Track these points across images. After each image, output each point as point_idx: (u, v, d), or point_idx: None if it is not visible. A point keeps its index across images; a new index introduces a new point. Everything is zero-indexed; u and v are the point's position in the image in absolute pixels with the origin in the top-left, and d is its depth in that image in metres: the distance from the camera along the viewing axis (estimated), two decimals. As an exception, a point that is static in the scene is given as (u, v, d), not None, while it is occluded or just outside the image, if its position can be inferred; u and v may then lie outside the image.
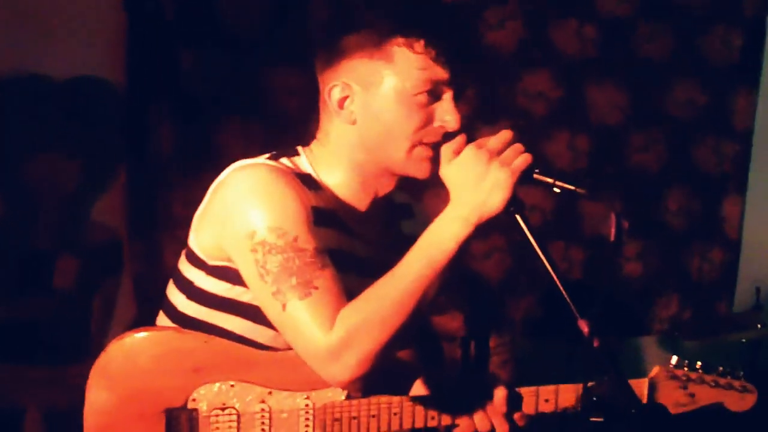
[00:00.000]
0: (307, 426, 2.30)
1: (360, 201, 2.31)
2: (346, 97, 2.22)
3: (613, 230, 2.16)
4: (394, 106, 2.17)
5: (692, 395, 2.35)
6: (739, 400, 2.33)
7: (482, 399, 2.36)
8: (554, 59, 4.78)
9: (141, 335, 2.30)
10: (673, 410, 2.35)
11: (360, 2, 2.21)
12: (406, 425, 2.34)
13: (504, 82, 4.73)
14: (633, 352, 4.97)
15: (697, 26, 4.92)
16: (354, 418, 2.30)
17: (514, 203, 2.16)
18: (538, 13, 4.74)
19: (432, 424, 2.34)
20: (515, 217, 2.21)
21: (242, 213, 2.13)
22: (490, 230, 4.47)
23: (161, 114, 4.22)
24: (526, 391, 2.37)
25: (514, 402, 2.35)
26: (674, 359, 2.42)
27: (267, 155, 2.28)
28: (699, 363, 2.38)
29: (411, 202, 2.55)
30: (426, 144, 2.19)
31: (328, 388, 2.29)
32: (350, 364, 2.06)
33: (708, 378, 2.34)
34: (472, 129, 4.18)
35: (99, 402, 2.25)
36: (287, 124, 4.26)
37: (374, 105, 2.19)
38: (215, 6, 4.26)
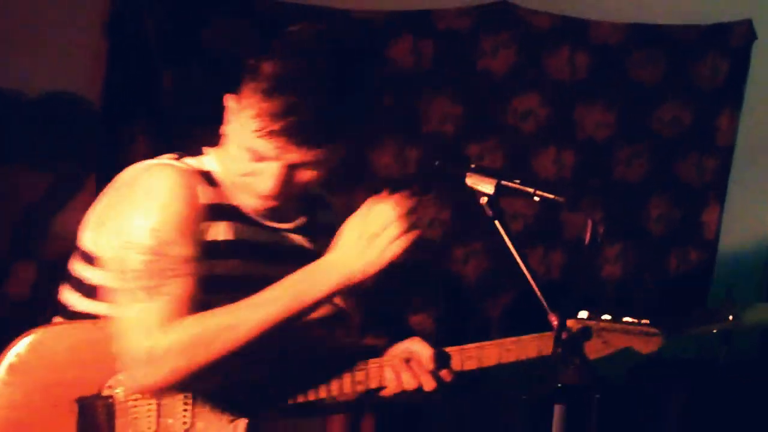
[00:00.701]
0: None
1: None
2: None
3: (588, 234, 2.26)
4: (234, 145, 2.21)
5: (606, 342, 2.50)
6: (647, 343, 2.52)
7: (409, 359, 2.40)
8: (545, 83, 4.95)
9: (52, 328, 2.32)
10: (591, 356, 2.49)
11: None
12: (334, 392, 2.40)
13: (494, 103, 4.87)
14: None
15: (687, 54, 5.15)
16: None
17: (494, 210, 2.31)
18: (532, 41, 4.89)
19: (360, 388, 2.41)
20: (494, 224, 2.34)
21: (131, 209, 2.18)
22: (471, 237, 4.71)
23: (135, 131, 4.27)
24: (451, 350, 2.45)
25: (440, 360, 2.41)
26: (584, 313, 2.53)
27: (173, 154, 2.32)
28: (607, 316, 2.52)
29: (323, 193, 2.56)
30: (248, 189, 2.25)
31: None
32: (162, 372, 2.10)
33: (618, 326, 2.50)
34: (460, 146, 4.11)
35: (8, 397, 2.23)
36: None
37: (230, 129, 2.23)
38: (198, 31, 4.34)
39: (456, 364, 2.41)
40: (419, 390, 2.36)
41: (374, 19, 4.64)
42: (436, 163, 2.51)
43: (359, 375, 2.38)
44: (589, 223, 2.27)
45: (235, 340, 2.11)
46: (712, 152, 5.25)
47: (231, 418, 2.32)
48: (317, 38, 2.16)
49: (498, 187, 2.39)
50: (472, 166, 2.47)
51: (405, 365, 2.38)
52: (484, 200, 2.43)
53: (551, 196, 2.34)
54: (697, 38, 5.16)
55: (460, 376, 2.41)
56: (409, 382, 2.37)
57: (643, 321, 2.48)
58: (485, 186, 2.43)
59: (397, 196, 2.15)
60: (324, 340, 2.44)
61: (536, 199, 2.34)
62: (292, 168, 2.16)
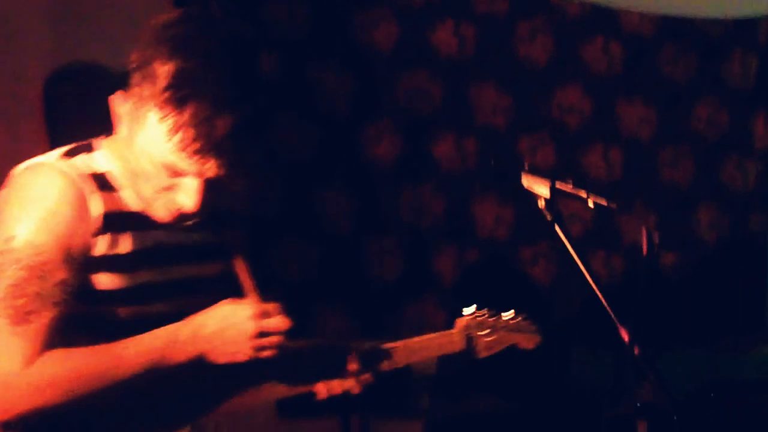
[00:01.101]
0: None
1: None
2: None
3: (644, 243, 2.26)
4: (143, 159, 1.95)
5: (496, 339, 2.50)
6: (529, 340, 2.54)
7: (334, 363, 2.32)
8: (585, 74, 4.90)
9: None
10: (482, 354, 2.49)
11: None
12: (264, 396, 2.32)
13: (540, 94, 4.82)
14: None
15: (716, 50, 5.08)
16: None
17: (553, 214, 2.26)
18: (566, 28, 4.85)
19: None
20: (554, 227, 2.30)
21: (10, 215, 1.94)
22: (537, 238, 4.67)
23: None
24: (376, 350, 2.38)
25: (365, 360, 2.32)
26: (471, 309, 2.51)
27: (65, 150, 2.05)
28: (486, 310, 2.53)
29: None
30: (167, 204, 1.99)
31: None
32: (12, 408, 1.92)
33: (502, 323, 2.51)
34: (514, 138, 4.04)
35: None
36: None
37: (131, 141, 1.97)
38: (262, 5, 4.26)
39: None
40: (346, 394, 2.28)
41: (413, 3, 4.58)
42: (492, 163, 2.43)
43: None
44: (644, 231, 2.26)
45: (96, 385, 1.95)
46: (751, 156, 5.15)
47: None
48: (210, 29, 1.95)
49: (552, 189, 2.38)
50: (526, 166, 2.47)
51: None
52: (542, 203, 2.42)
53: (604, 202, 2.33)
54: (724, 33, 5.08)
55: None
56: (337, 386, 2.31)
57: (523, 316, 2.53)
58: (540, 188, 2.41)
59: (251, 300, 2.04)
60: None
61: (590, 204, 2.34)
62: (210, 181, 1.95)
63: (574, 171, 4.74)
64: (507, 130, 4.66)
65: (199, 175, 1.91)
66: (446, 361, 2.43)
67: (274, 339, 2.00)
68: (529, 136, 4.73)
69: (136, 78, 1.91)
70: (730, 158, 5.12)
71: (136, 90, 1.91)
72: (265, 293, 2.09)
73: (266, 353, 2.00)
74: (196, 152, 1.86)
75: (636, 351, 2.21)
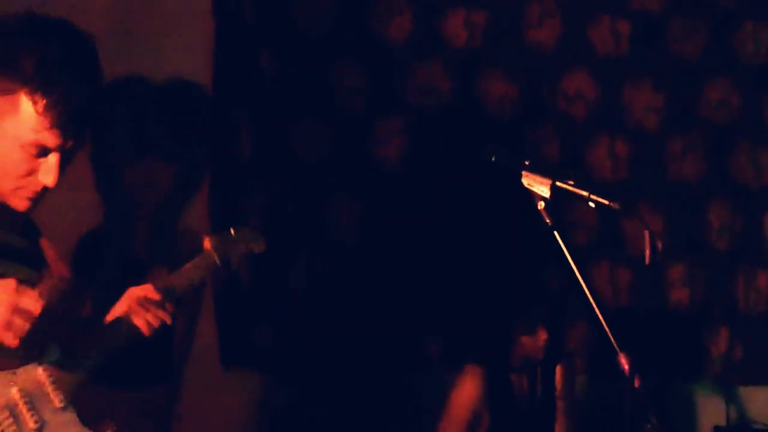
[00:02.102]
0: (56, 387, 2.30)
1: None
2: None
3: (647, 249, 2.20)
4: (7, 147, 2.19)
5: (237, 250, 2.80)
6: (260, 245, 2.89)
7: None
8: (592, 57, 4.84)
9: None
10: (234, 267, 2.81)
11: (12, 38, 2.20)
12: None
13: (546, 82, 4.80)
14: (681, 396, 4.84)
15: (727, 22, 4.94)
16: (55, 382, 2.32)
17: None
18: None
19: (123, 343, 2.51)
20: (554, 234, 2.26)
21: None
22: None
23: (242, 118, 4.45)
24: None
25: (164, 293, 2.56)
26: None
27: None
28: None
29: None
30: (28, 190, 2.24)
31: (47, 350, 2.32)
32: None
33: (236, 236, 2.81)
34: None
35: None
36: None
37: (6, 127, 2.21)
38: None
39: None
40: (164, 324, 2.50)
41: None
42: (492, 158, 2.46)
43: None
44: (647, 234, 2.22)
45: None
46: (765, 143, 4.96)
47: None
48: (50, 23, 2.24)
49: (553, 188, 2.34)
50: (527, 163, 2.43)
51: (143, 310, 2.49)
52: (541, 205, 2.37)
53: (606, 201, 2.29)
54: (735, 4, 4.93)
55: None
56: (154, 321, 2.50)
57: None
58: (541, 188, 2.37)
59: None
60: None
61: (591, 204, 2.31)
62: (64, 156, 2.22)
63: (578, 167, 4.67)
64: (512, 121, 4.72)
65: (59, 148, 2.19)
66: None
67: (25, 319, 2.10)
68: (533, 129, 4.72)
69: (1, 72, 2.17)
70: (740, 147, 4.93)
71: (2, 82, 2.17)
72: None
73: (14, 331, 2.09)
74: (62, 125, 2.16)
75: (637, 383, 2.05)
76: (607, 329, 2.08)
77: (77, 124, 2.19)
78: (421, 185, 4.56)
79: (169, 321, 2.52)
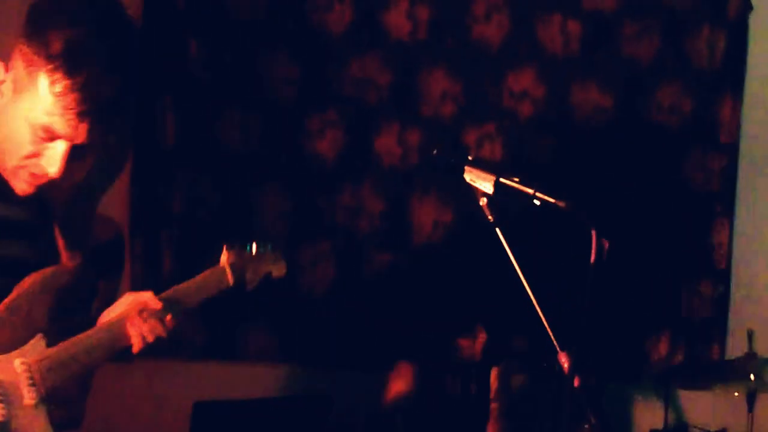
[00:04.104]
0: (31, 383, 2.31)
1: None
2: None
3: (593, 249, 2.20)
4: (18, 123, 2.16)
5: (254, 271, 2.81)
6: (279, 268, 2.88)
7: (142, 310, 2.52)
8: (540, 56, 4.87)
9: None
10: (249, 286, 2.81)
11: (60, 17, 2.12)
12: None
13: (491, 79, 4.82)
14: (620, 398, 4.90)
15: (682, 26, 4.98)
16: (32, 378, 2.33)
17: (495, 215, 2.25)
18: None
19: (113, 352, 2.48)
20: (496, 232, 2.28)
21: None
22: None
23: (167, 104, 4.44)
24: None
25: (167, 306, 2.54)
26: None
27: None
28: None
29: None
30: (30, 172, 2.22)
31: (29, 343, 2.33)
32: None
33: (256, 255, 2.84)
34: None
35: None
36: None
37: (8, 107, 2.18)
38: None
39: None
40: (158, 340, 2.48)
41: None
42: (434, 152, 2.48)
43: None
44: (594, 234, 2.20)
45: None
46: (715, 149, 5.02)
47: None
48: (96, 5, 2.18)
49: (497, 185, 2.36)
50: (470, 158, 2.46)
51: (141, 320, 2.47)
52: (483, 201, 2.40)
53: (551, 199, 2.30)
54: (691, 7, 4.98)
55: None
56: (148, 336, 2.47)
57: (273, 246, 2.88)
58: (484, 183, 2.39)
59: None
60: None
61: (536, 202, 2.31)
62: (74, 150, 2.20)
63: (522, 167, 4.68)
64: (454, 120, 4.74)
65: (70, 138, 2.16)
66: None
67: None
68: (477, 128, 4.74)
69: (27, 44, 2.11)
70: (691, 153, 5.00)
71: (26, 56, 2.12)
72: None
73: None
74: (77, 114, 2.11)
75: (576, 382, 2.08)
76: (547, 327, 2.11)
77: (96, 117, 2.12)
78: (354, 179, 4.60)
79: (164, 336, 2.47)
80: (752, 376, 4.08)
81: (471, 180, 2.38)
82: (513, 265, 2.27)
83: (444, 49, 4.75)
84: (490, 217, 2.32)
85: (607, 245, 2.22)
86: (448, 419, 3.89)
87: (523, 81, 4.83)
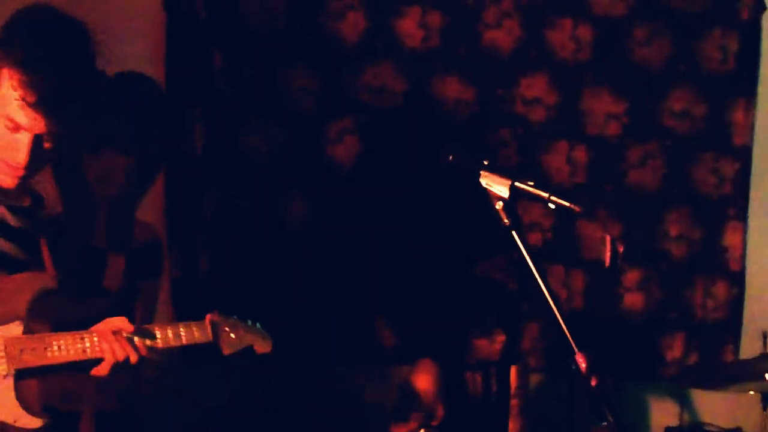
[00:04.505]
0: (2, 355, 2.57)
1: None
2: None
3: (608, 253, 2.21)
4: None
5: (236, 338, 2.90)
6: (264, 345, 2.95)
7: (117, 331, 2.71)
8: (551, 62, 4.91)
9: None
10: (225, 351, 2.88)
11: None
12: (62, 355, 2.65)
13: (504, 85, 4.87)
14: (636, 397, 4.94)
15: (694, 29, 4.99)
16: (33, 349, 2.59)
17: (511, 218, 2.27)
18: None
19: (84, 356, 2.66)
20: (512, 234, 2.30)
21: None
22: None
23: (195, 115, 4.59)
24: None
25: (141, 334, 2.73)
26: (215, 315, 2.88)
27: None
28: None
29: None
30: (5, 164, 2.53)
31: (8, 325, 2.58)
32: None
33: (243, 325, 2.94)
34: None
35: None
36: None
37: None
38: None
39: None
40: (126, 362, 2.64)
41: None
42: (450, 158, 2.51)
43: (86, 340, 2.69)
44: (608, 239, 2.19)
45: None
46: (728, 153, 5.02)
47: None
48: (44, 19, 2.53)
49: (512, 189, 2.40)
50: (486, 163, 2.49)
51: (113, 337, 2.66)
52: (499, 205, 2.43)
53: (566, 203, 2.35)
54: (702, 9, 4.97)
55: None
56: (118, 353, 2.65)
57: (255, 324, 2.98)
58: (500, 188, 2.43)
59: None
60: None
61: (551, 206, 2.36)
62: (38, 139, 2.49)
63: (536, 173, 4.71)
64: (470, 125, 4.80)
65: (29, 129, 2.46)
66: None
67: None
68: (491, 133, 4.80)
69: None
70: (703, 157, 5.01)
71: None
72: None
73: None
74: (30, 105, 2.41)
75: (593, 382, 2.12)
76: (565, 329, 2.15)
77: (50, 108, 2.43)
78: (373, 185, 4.68)
79: (133, 358, 2.64)
80: (766, 376, 4.12)
81: (487, 185, 2.41)
82: (528, 266, 2.28)
83: (456, 56, 4.81)
84: (506, 221, 2.35)
85: (621, 248, 2.26)
86: (469, 416, 3.94)
87: (536, 87, 4.87)
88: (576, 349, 2.15)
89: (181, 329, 2.76)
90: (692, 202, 4.96)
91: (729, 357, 4.97)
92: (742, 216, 5.02)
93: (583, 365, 2.12)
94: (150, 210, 4.11)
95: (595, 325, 4.23)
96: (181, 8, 4.55)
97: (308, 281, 4.67)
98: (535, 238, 4.76)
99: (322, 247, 4.67)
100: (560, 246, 4.84)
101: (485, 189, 2.41)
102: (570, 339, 2.15)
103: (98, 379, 2.67)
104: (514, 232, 2.33)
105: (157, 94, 4.10)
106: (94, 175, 3.66)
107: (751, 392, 4.19)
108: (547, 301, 2.19)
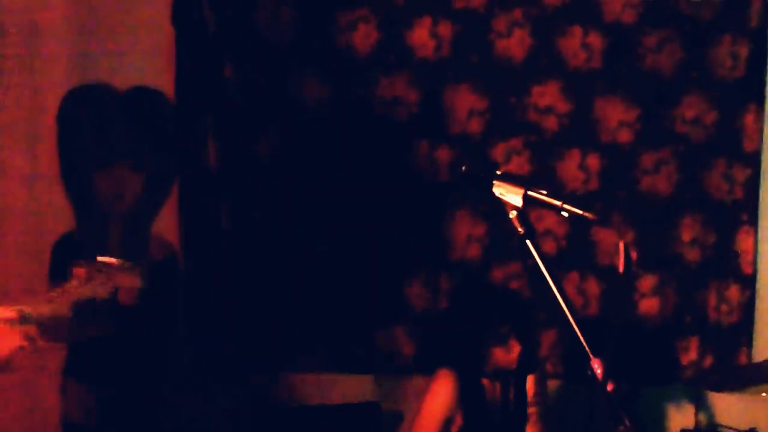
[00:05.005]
0: None
1: None
2: None
3: (621, 259, 2.24)
4: None
5: (110, 279, 2.85)
6: (132, 282, 2.91)
7: None
8: (563, 70, 4.96)
9: None
10: (103, 294, 2.84)
11: None
12: None
13: (516, 94, 4.93)
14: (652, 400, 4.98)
15: (704, 36, 5.02)
16: None
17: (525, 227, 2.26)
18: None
19: None
20: (526, 243, 2.29)
21: None
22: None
23: (207, 127, 4.60)
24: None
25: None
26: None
27: None
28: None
29: None
30: None
31: None
32: None
33: (107, 267, 2.87)
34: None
35: None
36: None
37: None
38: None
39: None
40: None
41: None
42: (464, 168, 2.50)
43: None
44: (621, 245, 2.26)
45: None
46: (739, 159, 5.07)
47: None
48: None
49: (525, 198, 2.40)
50: (499, 172, 2.48)
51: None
52: (513, 214, 2.43)
53: (580, 211, 2.34)
54: (712, 17, 5.00)
55: None
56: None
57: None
58: (513, 197, 2.42)
59: None
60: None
61: (564, 214, 2.36)
62: None
63: (549, 181, 4.79)
64: (482, 135, 4.86)
65: None
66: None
67: None
68: (504, 141, 4.86)
69: None
70: (715, 163, 5.06)
71: None
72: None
73: None
74: None
75: (610, 387, 2.14)
76: (580, 335, 2.17)
77: None
78: (386, 194, 4.76)
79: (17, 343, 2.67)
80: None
81: (500, 194, 2.41)
82: (543, 274, 2.29)
83: (468, 65, 4.87)
84: (520, 229, 2.34)
85: (635, 255, 2.27)
86: (488, 424, 3.98)
87: (548, 95, 4.93)
88: (591, 355, 2.19)
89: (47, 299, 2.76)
90: (705, 208, 5.01)
91: (743, 359, 5.01)
92: (754, 220, 5.06)
93: (598, 371, 2.15)
94: (164, 222, 4.20)
95: (611, 330, 4.26)
96: (189, 23, 4.59)
97: (328, 292, 4.73)
98: (550, 246, 4.84)
99: (339, 259, 4.73)
100: (575, 253, 4.94)
101: (498, 198, 2.41)
102: (585, 345, 2.17)
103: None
104: (528, 241, 2.32)
105: (168, 107, 4.16)
106: (105, 191, 3.72)
107: (764, 394, 4.22)
108: (563, 309, 2.21)
